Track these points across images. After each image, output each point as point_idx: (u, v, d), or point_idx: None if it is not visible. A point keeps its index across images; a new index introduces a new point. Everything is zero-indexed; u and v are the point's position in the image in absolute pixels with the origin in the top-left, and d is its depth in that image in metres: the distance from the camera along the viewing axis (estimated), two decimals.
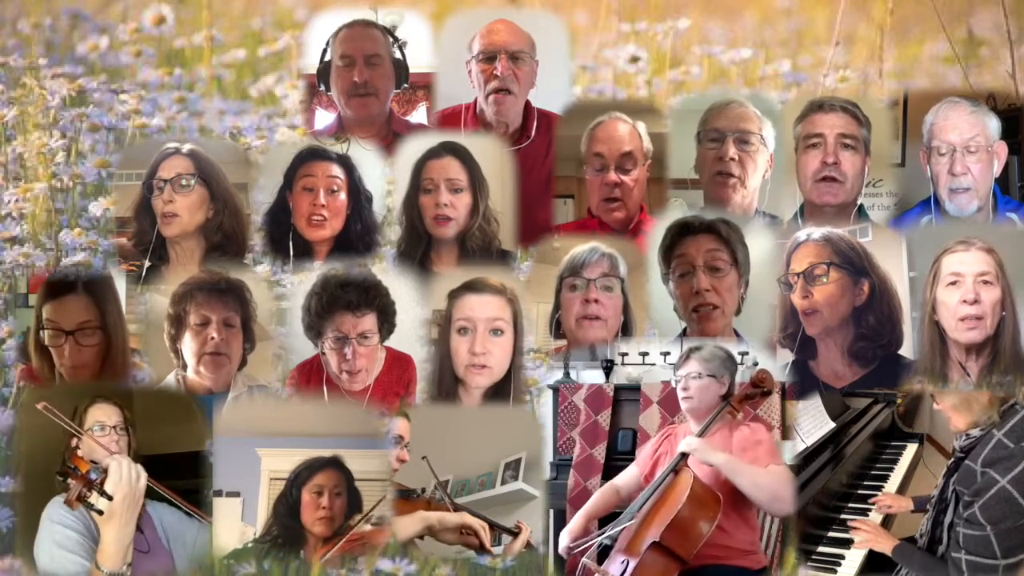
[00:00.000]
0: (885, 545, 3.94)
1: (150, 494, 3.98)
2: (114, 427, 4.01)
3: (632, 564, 3.85)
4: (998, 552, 3.71)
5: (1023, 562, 3.74)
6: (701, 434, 4.00)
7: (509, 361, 4.28)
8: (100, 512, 3.78)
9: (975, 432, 3.83)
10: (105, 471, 3.82)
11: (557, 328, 4.44)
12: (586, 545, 3.99)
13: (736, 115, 4.55)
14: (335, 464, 4.09)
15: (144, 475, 3.87)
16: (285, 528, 4.06)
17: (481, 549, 4.06)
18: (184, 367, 4.27)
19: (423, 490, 4.15)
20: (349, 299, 4.28)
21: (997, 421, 3.80)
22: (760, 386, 4.07)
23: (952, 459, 3.89)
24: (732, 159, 4.53)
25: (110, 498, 3.80)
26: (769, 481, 3.91)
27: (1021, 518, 3.73)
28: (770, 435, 4.05)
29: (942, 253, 4.17)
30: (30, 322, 4.27)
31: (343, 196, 4.51)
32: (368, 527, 4.05)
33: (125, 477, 3.82)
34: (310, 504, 4.05)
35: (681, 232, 4.39)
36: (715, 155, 4.54)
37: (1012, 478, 3.72)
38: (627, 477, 4.15)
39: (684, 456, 3.96)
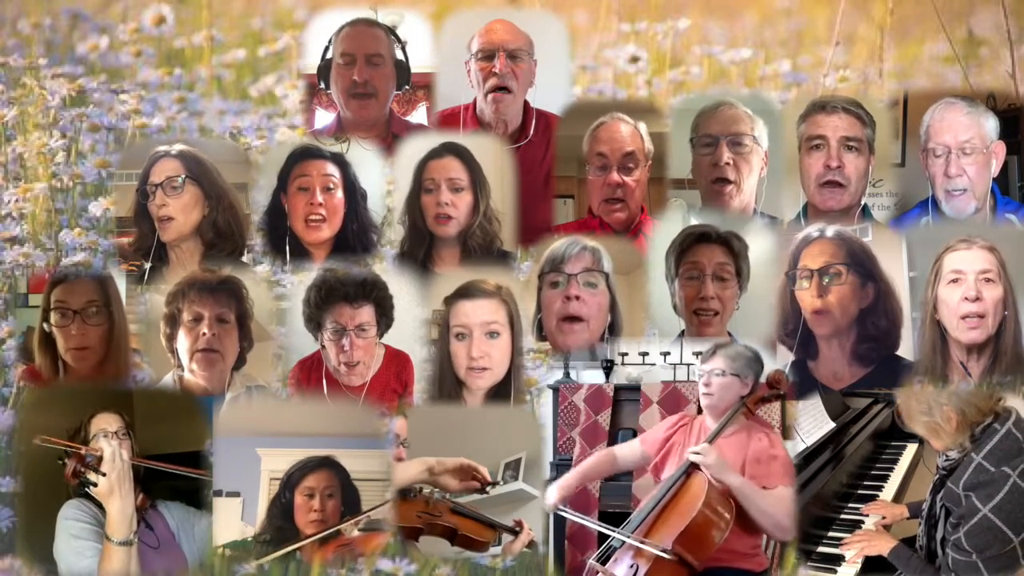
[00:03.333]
0: (882, 547, 3.91)
1: (156, 493, 4.08)
2: (115, 433, 4.05)
3: (642, 569, 3.82)
4: (1011, 534, 3.66)
5: None
6: (716, 435, 3.98)
7: (508, 361, 4.29)
8: (95, 484, 3.95)
9: (953, 454, 3.78)
10: (100, 456, 3.97)
11: (540, 330, 4.42)
12: (577, 521, 3.98)
13: (727, 117, 4.54)
14: (328, 464, 4.10)
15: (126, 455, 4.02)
16: (278, 530, 4.07)
17: (483, 489, 4.08)
18: (181, 367, 4.27)
19: (420, 489, 4.14)
20: (347, 291, 4.30)
21: (969, 447, 3.73)
22: (776, 387, 4.05)
23: (936, 475, 3.84)
24: (727, 164, 4.52)
25: (104, 475, 3.95)
26: (777, 509, 3.88)
27: (1006, 545, 3.68)
28: (786, 451, 4.03)
29: (944, 251, 4.16)
30: (32, 320, 4.29)
31: (340, 194, 4.51)
32: (356, 532, 4.05)
33: (116, 455, 3.98)
34: (302, 506, 4.06)
35: (697, 240, 4.41)
36: (710, 161, 4.53)
37: (994, 506, 3.66)
38: (628, 450, 4.12)
39: (692, 465, 3.94)
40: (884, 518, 4.14)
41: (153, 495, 4.08)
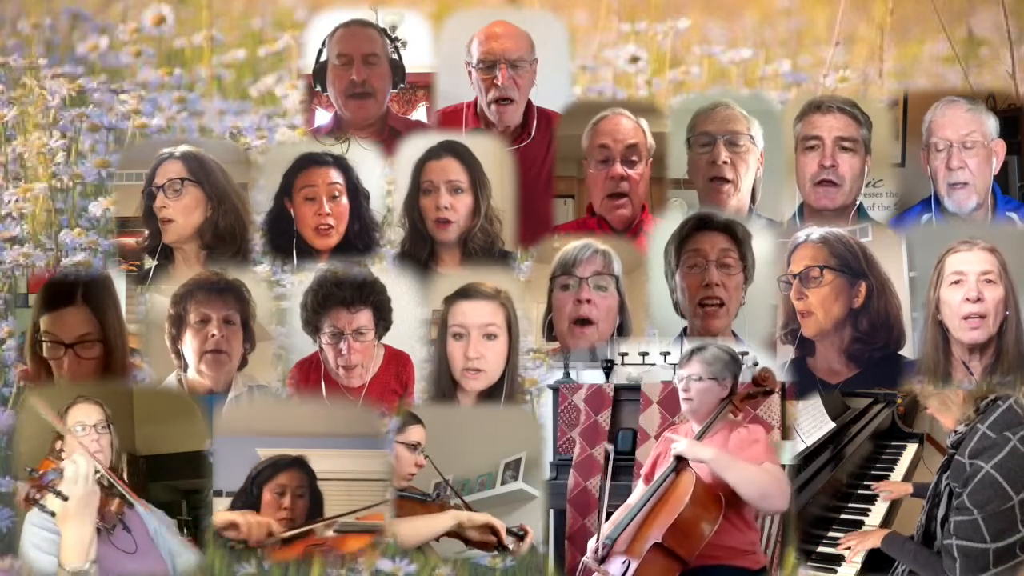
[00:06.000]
0: (875, 540, 3.96)
1: (155, 493, 4.05)
2: (94, 426, 3.97)
3: (633, 565, 3.84)
4: (987, 536, 3.73)
5: (1013, 545, 3.75)
6: (701, 435, 3.99)
7: (504, 364, 4.28)
8: (52, 513, 3.73)
9: (961, 428, 3.86)
10: (62, 472, 3.78)
11: (550, 330, 4.42)
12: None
13: (724, 117, 4.54)
14: (299, 464, 4.09)
15: (96, 472, 3.81)
16: None
17: (499, 547, 4.07)
18: (185, 367, 4.28)
19: (437, 495, 4.15)
20: (344, 295, 4.30)
21: (972, 416, 3.83)
22: (762, 385, 4.06)
23: (945, 456, 3.91)
24: (725, 162, 4.52)
25: (65, 498, 3.74)
26: (759, 477, 3.87)
27: (1006, 501, 3.75)
28: (767, 435, 4.03)
29: (946, 253, 4.18)
30: (30, 320, 4.27)
31: (345, 200, 4.51)
32: (331, 533, 4.04)
33: (81, 477, 3.77)
34: (271, 504, 4.05)
35: (697, 227, 4.40)
36: (707, 159, 4.53)
37: (995, 463, 3.75)
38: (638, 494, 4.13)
39: (679, 460, 3.95)
40: (891, 492, 4.23)
41: (151, 495, 4.06)
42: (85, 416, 3.98)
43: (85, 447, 3.91)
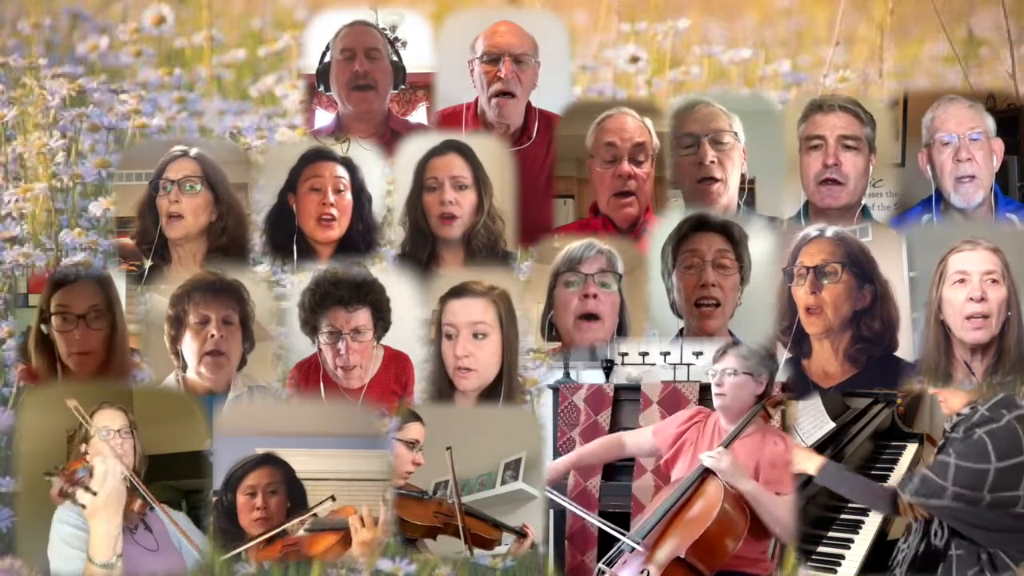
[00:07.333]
0: (808, 466, 3.95)
1: (155, 494, 4.02)
2: (118, 431, 4.00)
3: (653, 575, 3.82)
4: (951, 479, 3.78)
5: (973, 499, 3.79)
6: (734, 437, 3.96)
7: (498, 363, 4.28)
8: (83, 506, 3.86)
9: (965, 411, 3.89)
10: (91, 470, 3.88)
11: (550, 329, 4.42)
12: (566, 505, 3.96)
13: (705, 116, 4.53)
14: (269, 461, 4.10)
15: (122, 474, 3.91)
16: (223, 532, 4.05)
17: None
18: (184, 368, 4.28)
19: (435, 491, 4.15)
20: (341, 295, 4.29)
21: (984, 395, 3.89)
22: (793, 392, 4.06)
23: (942, 441, 3.94)
24: (712, 162, 4.52)
25: (94, 493, 3.86)
26: (786, 515, 3.88)
27: (984, 461, 3.78)
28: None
29: (948, 253, 4.17)
30: (31, 320, 4.28)
31: (349, 196, 4.52)
32: (303, 532, 4.04)
33: (110, 475, 3.87)
34: (245, 505, 4.06)
35: (694, 228, 4.39)
36: (694, 160, 4.52)
37: (988, 430, 3.80)
38: (638, 439, 4.11)
39: (707, 470, 3.93)
40: None
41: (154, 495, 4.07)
42: (110, 421, 4.01)
43: (114, 449, 3.96)
